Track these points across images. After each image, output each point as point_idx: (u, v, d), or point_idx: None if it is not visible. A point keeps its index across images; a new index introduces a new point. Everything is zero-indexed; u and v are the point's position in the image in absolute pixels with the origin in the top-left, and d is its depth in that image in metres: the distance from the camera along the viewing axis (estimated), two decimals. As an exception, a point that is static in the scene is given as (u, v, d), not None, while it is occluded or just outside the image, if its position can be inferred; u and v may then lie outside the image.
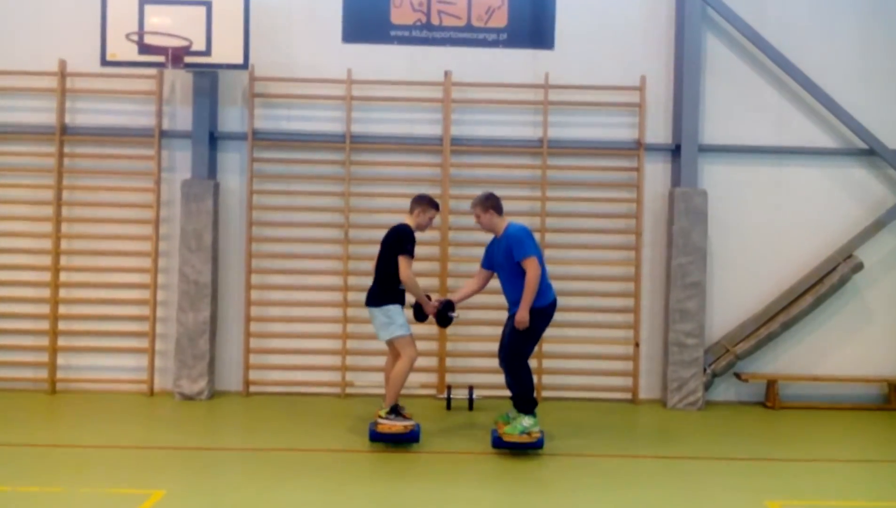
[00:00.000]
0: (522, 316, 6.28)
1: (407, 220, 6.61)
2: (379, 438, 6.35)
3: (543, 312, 6.47)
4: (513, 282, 6.42)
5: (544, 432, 6.47)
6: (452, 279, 8.20)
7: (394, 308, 6.44)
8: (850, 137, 8.37)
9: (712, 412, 7.99)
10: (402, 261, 6.37)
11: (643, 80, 8.28)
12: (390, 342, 6.52)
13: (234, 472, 5.92)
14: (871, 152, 8.35)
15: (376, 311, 6.48)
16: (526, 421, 6.38)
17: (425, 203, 6.64)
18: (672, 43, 8.36)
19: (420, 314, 6.72)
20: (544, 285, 6.46)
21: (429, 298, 6.73)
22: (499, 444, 6.37)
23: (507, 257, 6.40)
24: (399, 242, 6.43)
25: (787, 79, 8.32)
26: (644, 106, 8.28)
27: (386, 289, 6.46)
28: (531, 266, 6.29)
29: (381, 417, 6.37)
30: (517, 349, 6.46)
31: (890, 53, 8.42)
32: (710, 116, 8.37)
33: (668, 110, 8.40)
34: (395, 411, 6.40)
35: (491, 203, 6.55)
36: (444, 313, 6.69)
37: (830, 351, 8.39)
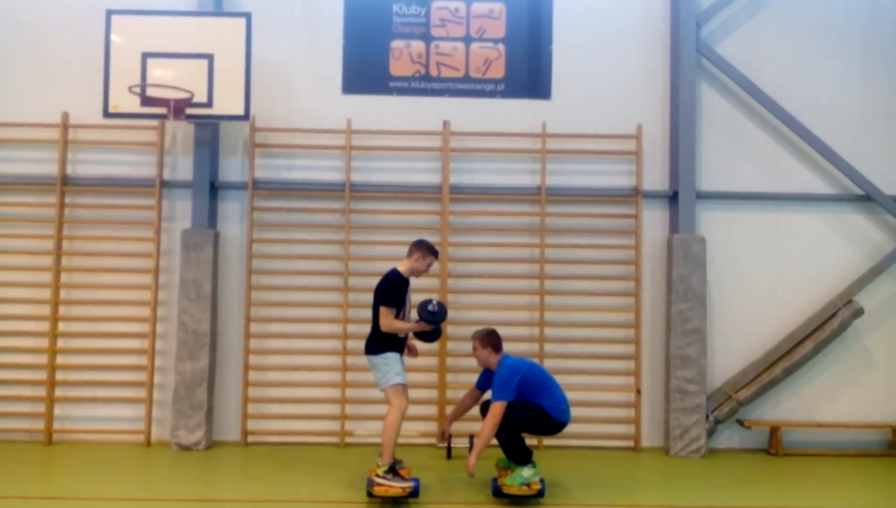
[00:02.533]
0: (471, 463, 6.22)
1: (402, 263, 6.58)
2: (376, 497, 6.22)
3: (556, 423, 6.45)
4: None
5: (545, 481, 6.40)
6: (452, 327, 8.17)
7: (392, 356, 6.40)
8: (847, 183, 8.44)
9: (715, 460, 7.90)
10: (382, 312, 6.33)
11: (640, 128, 8.37)
12: (385, 391, 6.45)
13: (232, 524, 5.85)
14: (868, 198, 8.40)
15: (375, 359, 6.42)
16: (526, 472, 6.30)
17: (424, 249, 6.58)
18: (668, 92, 8.48)
19: (426, 336, 6.58)
20: (563, 406, 6.43)
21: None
22: (499, 494, 6.28)
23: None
24: (382, 292, 6.40)
25: (783, 126, 8.41)
26: (641, 154, 8.36)
27: (384, 337, 6.42)
28: (495, 411, 6.26)
29: (377, 476, 6.21)
30: (514, 429, 6.36)
31: (886, 100, 8.54)
32: (707, 163, 8.44)
33: (664, 158, 8.48)
34: (393, 470, 6.26)
35: (490, 340, 6.56)
36: (428, 318, 6.48)
37: (833, 397, 8.34)
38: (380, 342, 6.41)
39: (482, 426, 6.34)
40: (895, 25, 8.59)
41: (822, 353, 8.24)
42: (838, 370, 8.37)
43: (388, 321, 6.33)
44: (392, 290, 6.40)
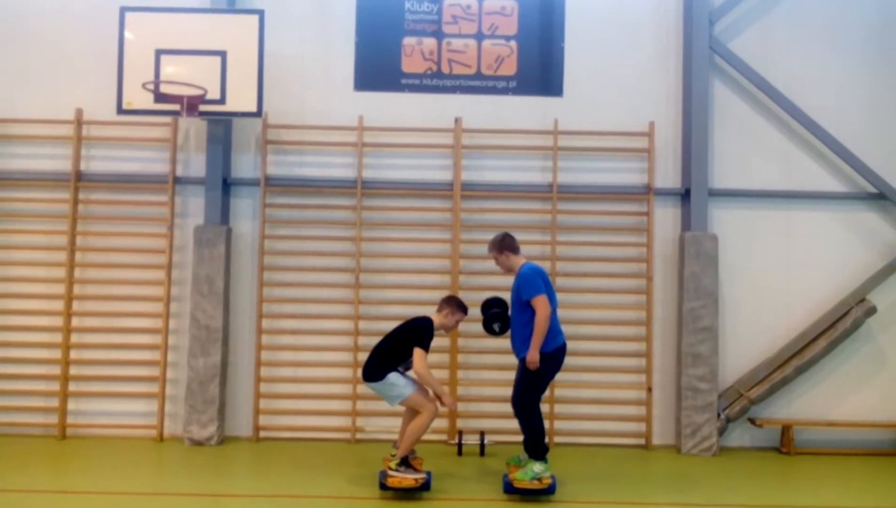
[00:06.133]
0: (533, 356, 6.27)
1: (434, 315, 6.63)
2: (389, 489, 6.27)
3: (551, 356, 6.43)
4: (520, 322, 6.42)
5: (556, 477, 6.40)
6: (462, 324, 8.15)
7: (393, 376, 6.43)
8: (860, 181, 8.40)
9: (727, 458, 7.89)
10: (419, 353, 6.35)
11: (652, 125, 8.35)
12: (405, 404, 6.48)
13: (244, 518, 5.88)
14: (880, 197, 8.36)
15: (378, 385, 6.46)
16: (537, 467, 6.32)
17: (454, 305, 6.68)
18: (680, 89, 8.46)
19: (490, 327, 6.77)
20: (553, 330, 6.43)
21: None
22: (510, 490, 6.30)
23: (517, 297, 6.43)
24: (418, 335, 6.44)
25: (796, 124, 8.38)
26: (653, 151, 8.34)
27: (384, 364, 6.46)
28: (540, 305, 6.28)
29: (391, 468, 6.29)
30: (525, 395, 6.43)
31: (897, 98, 8.51)
32: (720, 160, 8.42)
33: (677, 155, 8.46)
34: (405, 462, 6.33)
35: (505, 244, 6.61)
36: (490, 324, 6.73)
37: (845, 396, 8.31)
38: (380, 368, 6.45)
39: (535, 325, 6.27)
40: (909, 23, 8.57)
41: (834, 352, 8.21)
42: (851, 368, 8.33)
43: (425, 367, 6.36)
44: (429, 337, 6.49)
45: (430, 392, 6.48)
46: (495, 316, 6.71)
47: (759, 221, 8.42)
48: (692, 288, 8.07)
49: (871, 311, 8.16)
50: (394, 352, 6.48)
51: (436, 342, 7.20)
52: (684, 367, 8.03)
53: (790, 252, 8.41)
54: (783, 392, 8.25)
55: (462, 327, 8.11)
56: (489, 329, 6.75)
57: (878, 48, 8.52)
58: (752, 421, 8.21)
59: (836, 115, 8.40)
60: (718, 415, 8.05)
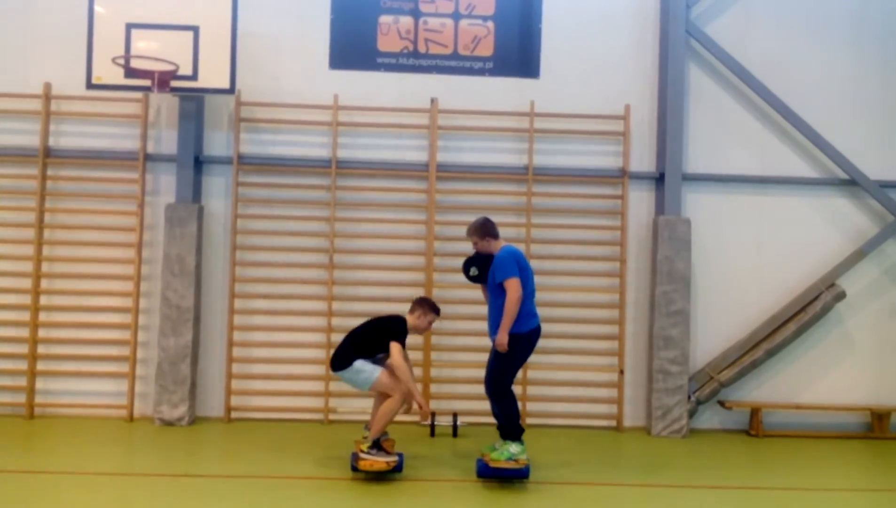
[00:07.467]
0: (501, 339, 6.27)
1: (407, 317, 6.57)
2: (361, 472, 6.25)
3: (525, 338, 6.42)
4: (496, 305, 6.41)
5: (530, 460, 6.42)
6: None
7: (358, 362, 6.37)
8: (832, 167, 8.47)
9: (697, 440, 7.98)
10: (396, 347, 6.31)
11: (627, 109, 8.35)
12: (375, 388, 6.43)
13: (215, 499, 5.82)
14: (852, 183, 8.45)
15: (345, 373, 6.41)
16: (513, 448, 6.32)
17: (426, 307, 6.61)
18: (656, 73, 8.46)
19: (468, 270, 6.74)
20: (529, 313, 6.43)
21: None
22: (484, 472, 6.27)
23: (492, 280, 6.42)
24: (394, 330, 6.40)
25: (770, 109, 8.42)
26: (628, 135, 8.35)
27: (352, 352, 6.41)
28: (511, 288, 6.26)
29: (362, 451, 6.25)
30: (498, 376, 6.42)
31: (873, 85, 8.56)
32: (694, 145, 8.45)
33: (652, 139, 8.48)
34: (377, 444, 6.31)
35: (485, 229, 6.55)
36: (467, 267, 6.69)
37: (814, 379, 8.43)
38: (348, 356, 6.40)
39: (505, 307, 6.23)
40: (885, 10, 8.61)
41: (803, 336, 8.31)
42: (819, 352, 8.45)
43: (402, 361, 6.32)
44: (404, 333, 6.46)
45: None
46: (474, 259, 6.65)
47: (732, 205, 8.48)
48: (665, 272, 8.11)
49: (841, 296, 8.26)
50: (364, 345, 6.42)
51: (409, 323, 7.21)
52: (656, 350, 8.09)
53: (762, 237, 8.48)
54: (753, 376, 8.35)
55: (436, 308, 8.11)
56: (465, 272, 6.70)
57: (855, 36, 8.58)
58: (721, 404, 8.31)
59: (811, 101, 8.45)
60: (689, 398, 8.14)
